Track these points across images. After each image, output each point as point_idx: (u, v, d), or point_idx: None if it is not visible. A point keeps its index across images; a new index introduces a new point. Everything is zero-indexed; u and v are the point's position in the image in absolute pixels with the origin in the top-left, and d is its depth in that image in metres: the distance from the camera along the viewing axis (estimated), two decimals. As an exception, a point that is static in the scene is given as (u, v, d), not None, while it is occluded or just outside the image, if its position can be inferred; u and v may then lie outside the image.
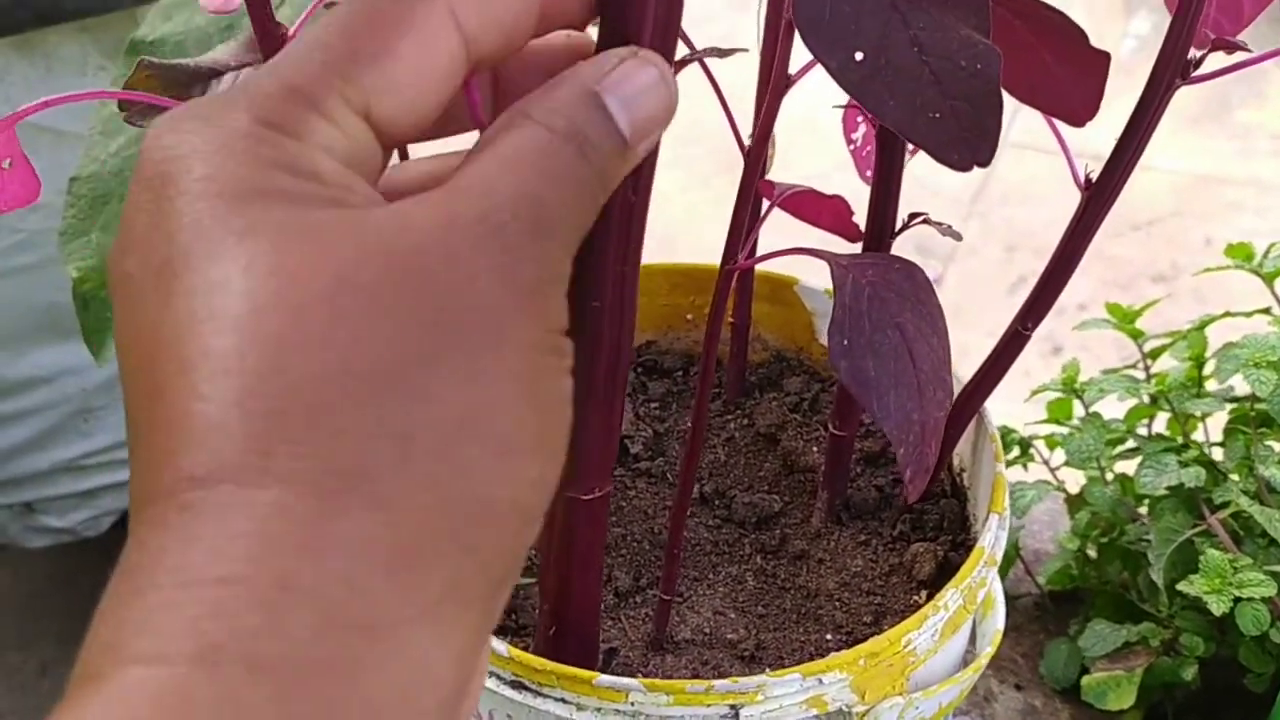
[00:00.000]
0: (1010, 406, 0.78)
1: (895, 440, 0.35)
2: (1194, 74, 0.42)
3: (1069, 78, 0.42)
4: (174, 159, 0.23)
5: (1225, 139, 1.75)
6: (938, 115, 0.31)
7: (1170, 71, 0.42)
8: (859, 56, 0.31)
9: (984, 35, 0.31)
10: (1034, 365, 1.36)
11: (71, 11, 0.67)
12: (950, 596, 0.44)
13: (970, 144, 0.31)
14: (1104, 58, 0.41)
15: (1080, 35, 0.40)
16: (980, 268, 1.56)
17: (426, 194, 0.24)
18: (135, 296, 0.22)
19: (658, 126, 0.26)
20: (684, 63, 0.40)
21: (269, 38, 0.33)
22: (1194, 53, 0.42)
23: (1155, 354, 0.75)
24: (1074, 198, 0.45)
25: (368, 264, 0.22)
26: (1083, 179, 0.45)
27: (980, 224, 1.64)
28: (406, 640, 0.21)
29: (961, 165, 0.31)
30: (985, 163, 0.31)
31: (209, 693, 0.19)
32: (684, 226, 1.60)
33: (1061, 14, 0.40)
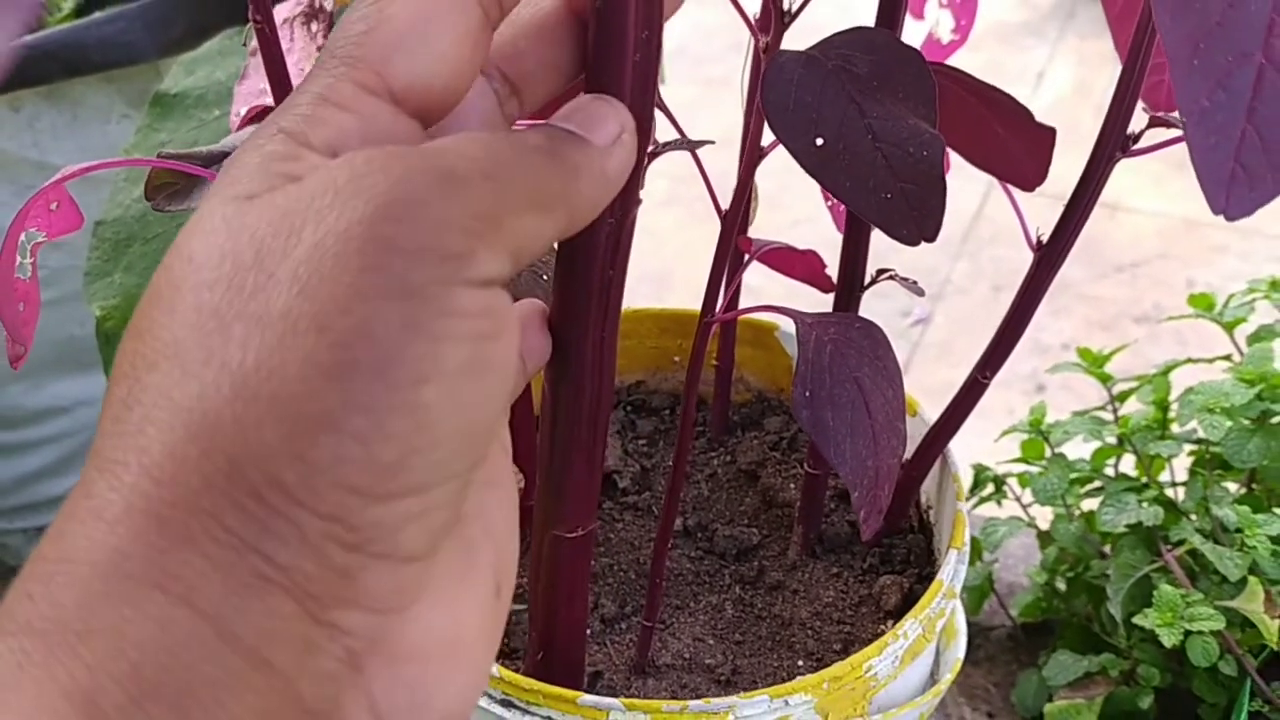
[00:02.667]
0: (986, 442, 0.82)
1: (850, 485, 0.39)
2: (1134, 147, 0.46)
3: (1019, 148, 0.46)
4: None
5: (1209, 182, 1.79)
6: (889, 196, 0.35)
7: (1111, 145, 0.46)
8: (819, 142, 0.35)
9: (931, 125, 0.35)
10: (1017, 403, 1.39)
11: (98, 64, 0.71)
12: (910, 626, 0.48)
13: (918, 221, 0.35)
14: (1049, 133, 0.45)
15: (1025, 112, 0.44)
16: (968, 306, 1.60)
17: None
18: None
19: None
20: (656, 154, 0.44)
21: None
22: (1132, 128, 0.46)
23: (1123, 397, 0.79)
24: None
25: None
26: (1034, 241, 0.49)
27: (969, 264, 1.68)
28: None
29: (910, 240, 0.35)
30: (931, 238, 0.35)
31: None
32: (679, 263, 1.64)
33: (1008, 95, 0.43)
